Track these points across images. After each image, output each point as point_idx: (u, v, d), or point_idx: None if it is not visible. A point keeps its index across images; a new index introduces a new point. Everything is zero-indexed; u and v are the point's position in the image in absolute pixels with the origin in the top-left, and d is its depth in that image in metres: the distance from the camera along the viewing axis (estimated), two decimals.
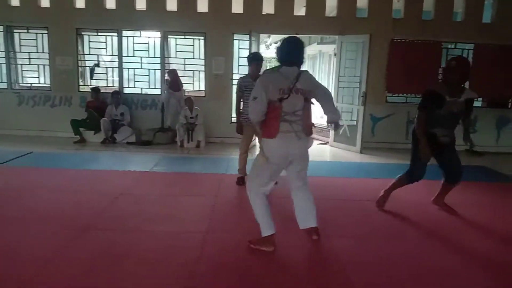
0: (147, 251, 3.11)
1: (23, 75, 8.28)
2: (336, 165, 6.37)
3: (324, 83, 9.19)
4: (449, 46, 7.80)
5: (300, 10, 8.46)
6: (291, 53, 3.02)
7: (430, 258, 3.18)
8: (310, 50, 13.44)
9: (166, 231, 3.51)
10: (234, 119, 7.93)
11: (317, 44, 12.20)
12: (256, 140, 5.40)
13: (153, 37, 7.97)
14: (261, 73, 4.64)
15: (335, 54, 8.25)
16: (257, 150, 6.68)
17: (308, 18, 7.64)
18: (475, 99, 3.95)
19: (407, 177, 4.08)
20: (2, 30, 7.90)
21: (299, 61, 3.04)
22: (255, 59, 4.81)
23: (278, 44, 3.06)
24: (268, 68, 3.17)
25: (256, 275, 2.84)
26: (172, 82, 7.63)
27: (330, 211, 4.12)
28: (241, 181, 5.02)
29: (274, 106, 2.91)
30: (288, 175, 3.25)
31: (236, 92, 4.92)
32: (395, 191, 4.25)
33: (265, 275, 2.84)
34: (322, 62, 13.52)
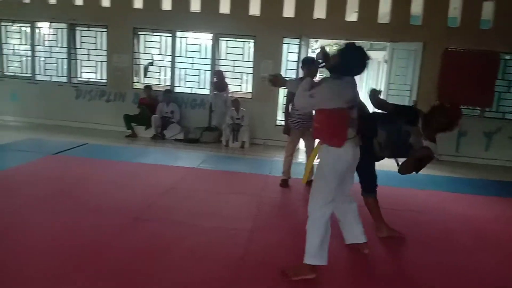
0: (193, 244, 3.23)
1: (82, 71, 8.78)
2: (381, 174, 6.26)
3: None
4: (507, 57, 7.48)
5: (351, 15, 8.39)
6: (361, 65, 2.78)
7: (480, 269, 3.10)
8: None
9: (213, 226, 3.63)
10: (278, 122, 8.05)
11: (367, 50, 12.03)
12: (301, 144, 5.42)
13: (205, 38, 8.20)
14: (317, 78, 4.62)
15: (385, 61, 8.12)
16: (301, 154, 6.75)
17: (359, 23, 7.57)
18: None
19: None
20: (65, 28, 8.41)
21: (362, 71, 2.86)
22: (305, 63, 4.87)
23: (342, 50, 2.78)
24: (326, 76, 3.01)
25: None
26: (218, 82, 7.82)
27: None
28: (285, 183, 5.08)
29: (343, 114, 2.73)
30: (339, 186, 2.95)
31: (287, 95, 4.98)
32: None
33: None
34: (370, 68, 13.34)
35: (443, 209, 4.61)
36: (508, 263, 3.36)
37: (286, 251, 3.25)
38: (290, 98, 4.91)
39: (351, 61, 2.75)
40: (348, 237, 3.28)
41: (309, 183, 4.81)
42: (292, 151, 5.12)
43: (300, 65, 4.96)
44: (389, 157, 3.44)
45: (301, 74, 5.17)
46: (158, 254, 3.03)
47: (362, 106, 3.30)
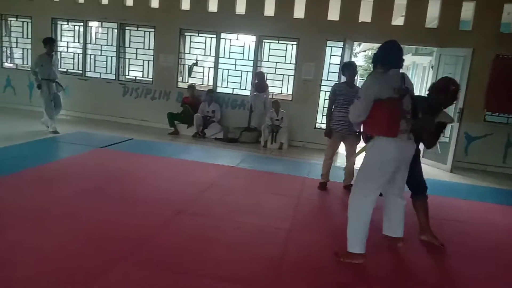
0: (233, 240, 3.32)
1: (130, 69, 9.13)
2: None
3: None
4: None
5: (397, 19, 8.25)
6: (399, 56, 3.03)
7: None
8: None
9: (252, 223, 3.70)
10: (318, 125, 8.03)
11: (412, 55, 11.76)
12: (341, 148, 5.41)
13: (248, 40, 8.31)
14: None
15: (431, 67, 7.91)
16: (341, 158, 6.71)
17: (406, 27, 7.43)
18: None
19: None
20: (116, 27, 8.79)
21: (402, 63, 3.07)
22: (347, 67, 4.99)
23: (382, 46, 3.10)
24: (371, 72, 3.19)
25: (336, 278, 2.89)
26: (258, 83, 7.90)
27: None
28: (323, 186, 5.08)
29: (393, 103, 2.85)
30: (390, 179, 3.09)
31: (330, 97, 5.03)
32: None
33: (344, 278, 2.88)
34: (415, 74, 13.02)
35: (488, 220, 4.46)
36: None
37: (322, 252, 3.26)
38: (332, 99, 4.93)
39: (392, 54, 2.99)
40: (386, 228, 3.39)
41: (347, 187, 4.86)
42: (332, 155, 5.12)
43: (341, 69, 5.00)
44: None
45: (343, 79, 5.17)
46: (200, 247, 3.13)
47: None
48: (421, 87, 11.64)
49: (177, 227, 3.49)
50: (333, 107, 4.94)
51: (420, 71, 12.26)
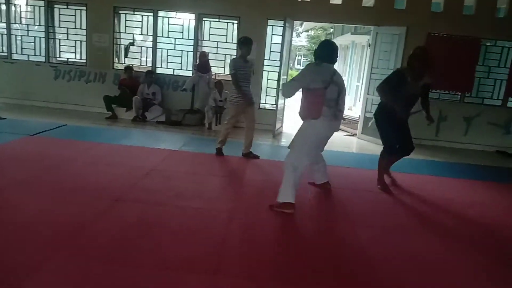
0: (176, 225, 3.23)
1: (61, 50, 8.52)
2: (363, 157, 6.34)
3: (355, 74, 9.04)
4: (488, 44, 7.57)
5: None
6: (333, 54, 3.74)
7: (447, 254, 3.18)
8: (343, 40, 13.25)
9: (195, 207, 3.62)
10: (262, 105, 8.01)
11: (351, 34, 12.02)
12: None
13: (188, 18, 8.03)
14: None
15: (369, 45, 8.12)
16: (286, 137, 6.76)
17: (344, 7, 7.53)
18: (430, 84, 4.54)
19: (386, 151, 4.62)
20: (43, 5, 8.12)
21: (335, 61, 3.78)
22: (243, 42, 5.31)
23: (320, 44, 3.82)
24: (311, 62, 3.97)
25: (277, 253, 2.91)
26: (201, 64, 7.71)
27: (355, 201, 4.17)
28: (219, 152, 5.57)
29: (317, 93, 3.57)
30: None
31: (233, 73, 5.24)
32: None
33: (284, 253, 2.90)
34: (354, 52, 13.33)
35: (423, 191, 4.70)
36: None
37: (265, 230, 3.28)
38: (235, 74, 5.25)
39: (327, 52, 3.71)
40: (318, 178, 4.38)
41: (247, 155, 5.55)
42: (233, 124, 5.58)
43: (238, 45, 5.51)
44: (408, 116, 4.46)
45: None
46: (139, 234, 3.00)
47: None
48: (360, 65, 11.98)
49: (115, 215, 3.32)
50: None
51: (359, 50, 12.58)
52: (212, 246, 2.93)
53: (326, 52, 3.71)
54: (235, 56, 5.63)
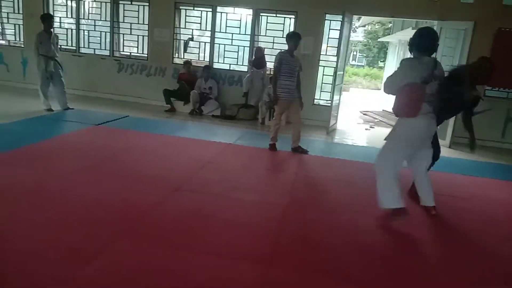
0: (232, 216, 3.30)
1: (124, 45, 8.95)
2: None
3: None
4: None
5: None
6: (434, 44, 3.27)
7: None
8: (402, 36, 12.77)
9: (250, 200, 3.68)
10: (316, 101, 7.93)
11: (412, 29, 11.54)
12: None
13: (245, 14, 8.11)
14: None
15: None
16: (339, 134, 6.65)
17: (406, 0, 7.24)
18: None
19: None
20: (109, 1, 8.56)
21: (435, 50, 3.35)
22: (291, 37, 5.33)
23: (418, 33, 3.31)
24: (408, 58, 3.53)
25: (329, 248, 2.89)
26: (257, 59, 7.76)
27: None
28: (273, 147, 5.60)
29: (416, 89, 3.16)
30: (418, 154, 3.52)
31: (276, 66, 5.28)
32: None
33: (343, 252, 2.87)
34: None
35: (486, 195, 4.45)
36: None
37: (318, 226, 3.27)
38: (278, 68, 5.28)
39: (422, 40, 3.24)
40: (422, 198, 3.71)
41: (295, 149, 5.51)
42: (279, 120, 5.62)
43: (286, 39, 5.42)
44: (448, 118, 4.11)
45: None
46: (197, 223, 3.11)
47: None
48: None
49: (174, 204, 3.46)
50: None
51: None
52: (266, 238, 2.97)
53: (426, 42, 3.24)
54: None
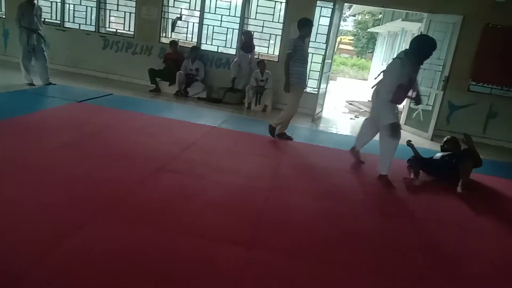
0: (213, 197, 3.28)
1: (110, 21, 8.73)
2: (404, 149, 6.16)
3: None
4: None
5: None
6: (428, 53, 4.10)
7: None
8: (392, 27, 12.79)
9: (232, 182, 3.66)
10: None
11: (402, 20, 11.56)
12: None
13: None
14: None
15: (420, 33, 7.78)
16: (324, 122, 6.66)
17: None
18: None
19: None
20: None
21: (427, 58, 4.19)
22: (305, 23, 5.24)
23: (420, 41, 4.18)
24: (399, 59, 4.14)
25: (316, 230, 2.91)
26: (245, 43, 7.67)
27: (393, 191, 4.10)
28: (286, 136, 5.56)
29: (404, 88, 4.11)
30: None
31: (290, 53, 5.16)
32: None
33: (325, 236, 2.90)
34: (403, 40, 12.85)
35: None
36: None
37: (301, 211, 3.30)
38: (292, 55, 5.13)
39: (421, 49, 4.06)
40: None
41: (281, 135, 5.51)
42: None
43: (300, 25, 5.26)
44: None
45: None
46: (179, 204, 3.09)
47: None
48: None
49: (156, 184, 3.43)
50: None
51: (409, 38, 12.10)
52: (248, 219, 2.98)
53: (423, 52, 4.03)
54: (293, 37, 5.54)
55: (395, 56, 4.40)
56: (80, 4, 8.63)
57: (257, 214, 3.10)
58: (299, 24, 5.29)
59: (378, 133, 4.42)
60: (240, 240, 2.68)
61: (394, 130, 4.13)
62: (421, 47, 4.03)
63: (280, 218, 3.10)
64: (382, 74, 4.32)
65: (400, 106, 8.09)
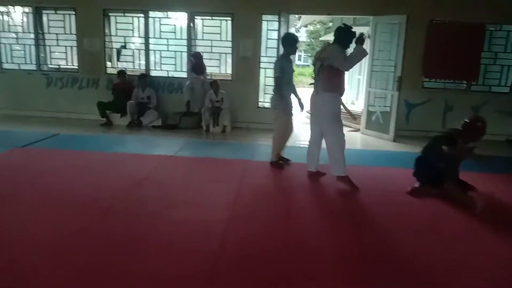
0: (166, 238, 2.98)
1: (52, 57, 8.30)
2: (368, 154, 6.06)
3: (356, 67, 8.82)
4: (493, 29, 7.26)
5: None
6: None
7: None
8: None
9: (187, 218, 3.37)
10: (260, 104, 7.74)
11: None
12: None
13: (180, 18, 7.78)
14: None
15: (368, 36, 7.82)
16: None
17: None
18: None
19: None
20: (31, 12, 7.91)
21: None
22: (292, 40, 4.94)
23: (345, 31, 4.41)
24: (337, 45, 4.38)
25: (280, 263, 2.66)
26: (196, 65, 7.46)
27: (361, 201, 3.90)
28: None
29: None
30: None
31: (278, 76, 4.75)
32: None
33: (289, 263, 2.65)
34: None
35: None
36: None
37: (265, 239, 3.04)
38: (281, 78, 4.78)
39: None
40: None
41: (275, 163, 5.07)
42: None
43: (287, 42, 4.88)
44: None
45: (281, 51, 5.06)
46: (127, 250, 2.76)
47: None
48: None
49: (102, 229, 3.09)
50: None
51: None
52: (205, 261, 2.67)
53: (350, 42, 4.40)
54: (279, 56, 5.30)
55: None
56: (17, 44, 8.18)
57: (215, 253, 2.80)
58: (283, 41, 4.94)
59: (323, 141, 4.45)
60: (195, 280, 2.43)
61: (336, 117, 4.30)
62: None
63: (241, 251, 2.83)
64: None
65: (359, 110, 8.08)
